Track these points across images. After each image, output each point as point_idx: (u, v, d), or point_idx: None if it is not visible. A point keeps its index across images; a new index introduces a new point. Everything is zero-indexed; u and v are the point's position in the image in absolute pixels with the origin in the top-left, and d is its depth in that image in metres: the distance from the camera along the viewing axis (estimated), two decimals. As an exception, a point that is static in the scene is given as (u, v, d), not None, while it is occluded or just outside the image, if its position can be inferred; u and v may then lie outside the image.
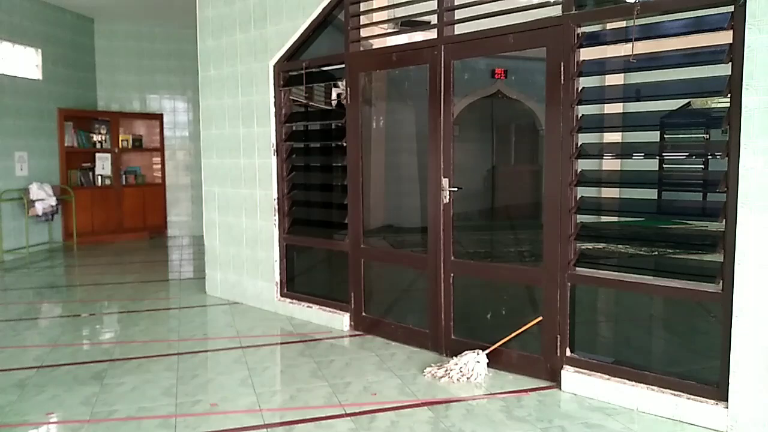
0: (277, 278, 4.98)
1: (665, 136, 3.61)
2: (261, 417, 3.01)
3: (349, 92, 4.34)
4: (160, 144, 9.84)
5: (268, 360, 3.90)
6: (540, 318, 3.41)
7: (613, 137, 3.66)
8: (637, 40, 2.92)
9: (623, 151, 3.41)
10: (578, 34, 3.20)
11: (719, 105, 3.16)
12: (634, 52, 2.94)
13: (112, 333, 4.57)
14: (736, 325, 2.72)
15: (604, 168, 3.87)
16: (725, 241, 2.77)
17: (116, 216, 9.31)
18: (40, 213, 7.95)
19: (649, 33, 2.98)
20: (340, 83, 5.05)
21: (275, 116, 4.89)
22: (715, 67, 2.80)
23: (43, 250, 8.26)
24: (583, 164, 3.31)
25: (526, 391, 3.30)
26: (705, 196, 3.26)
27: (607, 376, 3.17)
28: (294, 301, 4.89)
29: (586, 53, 3.26)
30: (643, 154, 3.28)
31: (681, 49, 2.98)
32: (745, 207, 2.68)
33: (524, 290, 4.46)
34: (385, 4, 4.78)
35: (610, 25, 3.34)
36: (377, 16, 4.54)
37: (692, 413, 2.86)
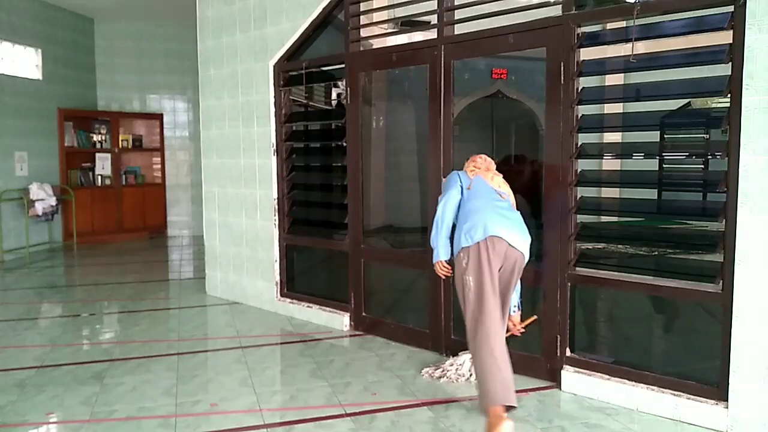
0: (277, 278, 4.98)
1: (665, 136, 3.60)
2: (261, 417, 3.01)
3: (349, 92, 4.34)
4: (160, 144, 9.83)
5: (268, 360, 3.90)
6: (535, 317, 3.40)
7: (613, 137, 3.66)
8: (637, 40, 2.92)
9: (623, 151, 3.41)
10: (578, 34, 3.19)
11: (719, 105, 3.15)
12: (634, 52, 2.94)
13: (112, 333, 4.57)
14: (736, 325, 2.72)
15: (604, 168, 3.87)
16: (725, 241, 2.77)
17: (116, 216, 9.31)
18: (40, 213, 7.94)
19: (649, 33, 2.98)
20: (340, 83, 5.05)
21: (275, 116, 4.89)
22: (715, 67, 2.80)
23: (43, 250, 8.26)
24: (583, 164, 3.30)
25: (526, 391, 3.30)
26: (705, 196, 3.26)
27: (607, 376, 3.17)
28: (294, 301, 4.89)
29: (586, 53, 3.26)
30: (643, 154, 3.28)
31: (681, 49, 2.98)
32: (745, 207, 2.67)
33: (524, 290, 4.45)
34: (385, 4, 4.78)
35: (610, 25, 3.34)
36: (377, 16, 4.54)
37: (692, 413, 2.87)
